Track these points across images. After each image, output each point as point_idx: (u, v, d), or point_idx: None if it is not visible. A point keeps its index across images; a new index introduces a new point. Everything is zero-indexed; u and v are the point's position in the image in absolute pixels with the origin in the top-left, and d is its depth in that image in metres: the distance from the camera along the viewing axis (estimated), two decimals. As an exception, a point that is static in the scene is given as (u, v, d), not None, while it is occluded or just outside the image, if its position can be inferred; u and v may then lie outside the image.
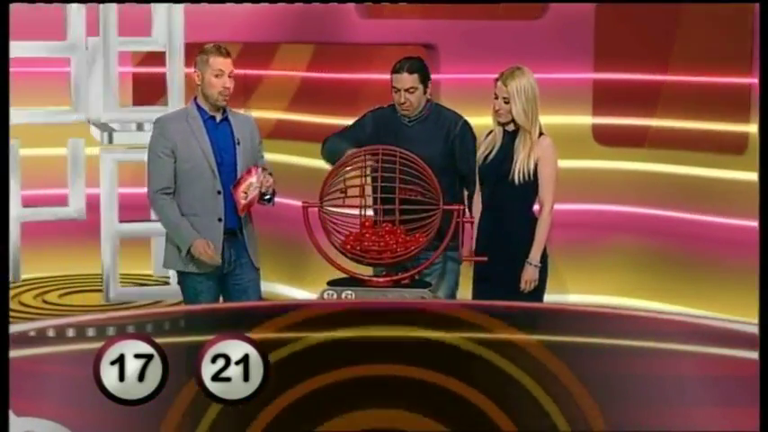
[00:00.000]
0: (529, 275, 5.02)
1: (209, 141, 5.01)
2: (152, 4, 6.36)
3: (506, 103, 5.00)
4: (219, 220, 5.00)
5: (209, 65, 4.99)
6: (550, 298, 6.64)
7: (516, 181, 5.01)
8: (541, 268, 5.09)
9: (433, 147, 5.15)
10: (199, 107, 5.05)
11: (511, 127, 5.05)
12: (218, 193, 5.01)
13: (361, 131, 5.32)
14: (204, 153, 4.99)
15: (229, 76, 5.00)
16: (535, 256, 5.03)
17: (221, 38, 5.82)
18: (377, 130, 5.28)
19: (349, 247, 4.79)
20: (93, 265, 7.18)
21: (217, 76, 4.97)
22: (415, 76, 5.20)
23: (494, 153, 5.09)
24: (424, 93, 5.24)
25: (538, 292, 5.10)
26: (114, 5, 6.26)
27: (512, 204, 5.06)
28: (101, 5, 6.23)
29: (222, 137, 5.04)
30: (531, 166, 5.01)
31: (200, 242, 4.97)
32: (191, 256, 5.00)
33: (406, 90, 5.19)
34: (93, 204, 7.06)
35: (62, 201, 6.52)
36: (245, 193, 4.94)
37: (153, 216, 5.49)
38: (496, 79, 5.04)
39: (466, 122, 5.28)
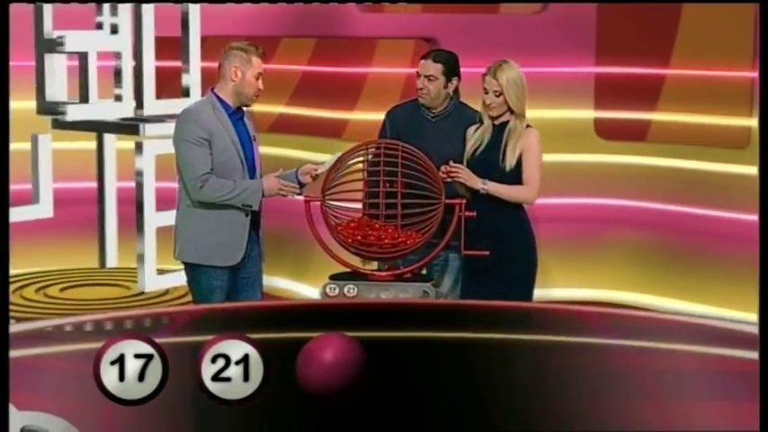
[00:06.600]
0: (469, 181, 4.94)
1: (236, 134, 4.93)
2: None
3: (497, 96, 5.00)
4: (247, 215, 4.89)
5: (251, 64, 4.87)
6: (552, 293, 6.65)
7: (508, 173, 5.00)
8: (529, 264, 5.06)
9: (455, 144, 5.14)
10: (221, 100, 4.91)
11: (499, 120, 5.05)
12: None
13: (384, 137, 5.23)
14: (234, 145, 4.90)
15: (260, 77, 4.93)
16: (491, 187, 4.95)
17: (222, 33, 5.82)
18: (396, 128, 5.24)
19: (350, 240, 4.78)
20: (92, 260, 7.20)
21: (257, 77, 4.89)
22: (439, 66, 5.22)
23: (483, 147, 5.07)
24: (445, 86, 5.22)
25: (527, 287, 5.06)
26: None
27: (502, 199, 5.02)
28: None
29: (242, 131, 4.95)
30: (517, 158, 5.00)
31: (270, 182, 4.87)
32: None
33: (426, 77, 5.21)
34: (89, 198, 7.08)
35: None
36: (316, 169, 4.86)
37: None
38: (485, 74, 5.04)
39: None
